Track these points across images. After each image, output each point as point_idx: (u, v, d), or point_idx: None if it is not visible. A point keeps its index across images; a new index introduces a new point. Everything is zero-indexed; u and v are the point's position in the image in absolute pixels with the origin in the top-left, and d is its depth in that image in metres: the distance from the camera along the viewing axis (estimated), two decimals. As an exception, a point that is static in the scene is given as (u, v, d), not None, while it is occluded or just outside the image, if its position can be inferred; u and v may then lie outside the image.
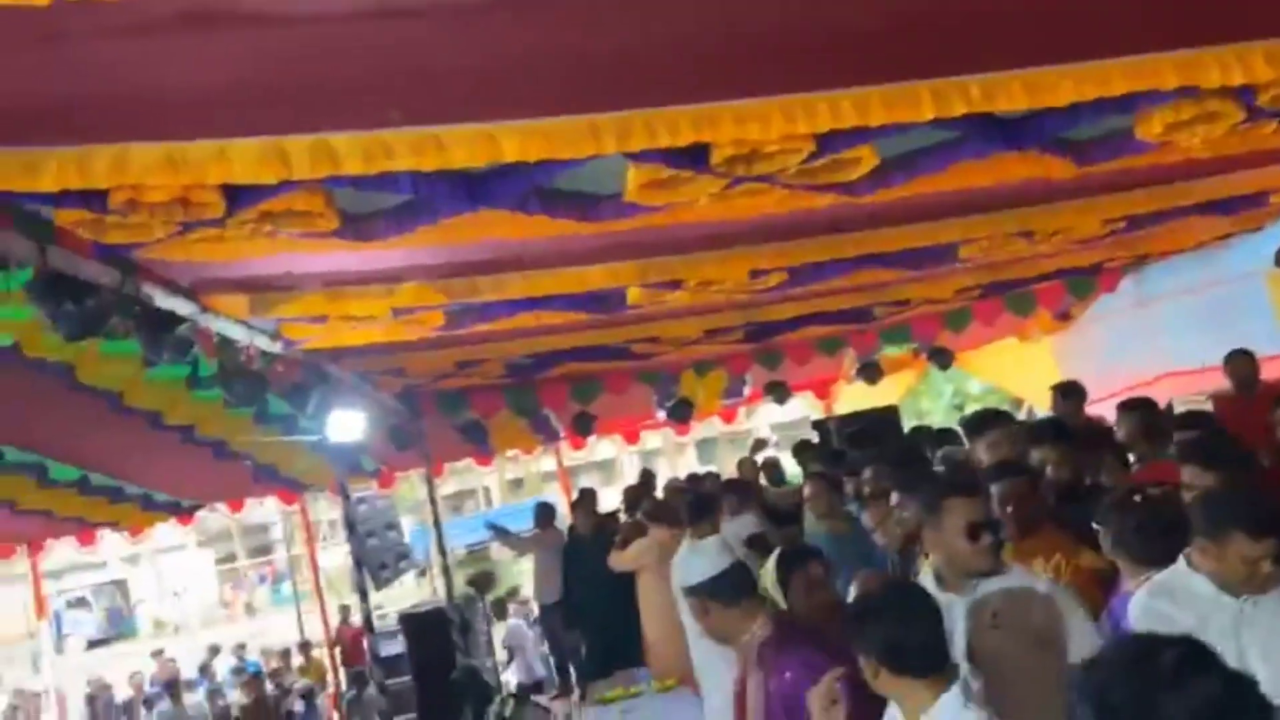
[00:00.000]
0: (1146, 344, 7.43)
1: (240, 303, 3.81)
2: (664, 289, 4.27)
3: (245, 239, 2.85)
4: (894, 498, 3.18)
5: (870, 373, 8.01)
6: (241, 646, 11.56)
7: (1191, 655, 1.16)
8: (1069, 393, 4.92)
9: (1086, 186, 3.87)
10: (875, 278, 4.74)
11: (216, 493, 8.39)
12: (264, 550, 31.10)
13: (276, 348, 4.55)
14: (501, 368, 6.30)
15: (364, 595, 7.55)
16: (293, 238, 2.92)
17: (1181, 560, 2.19)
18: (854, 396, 9.31)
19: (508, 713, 5.48)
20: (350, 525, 7.96)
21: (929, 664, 1.93)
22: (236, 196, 2.55)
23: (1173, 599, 2.14)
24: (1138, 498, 2.44)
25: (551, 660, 7.70)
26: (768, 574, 2.83)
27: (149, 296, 3.28)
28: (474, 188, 2.69)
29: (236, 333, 4.06)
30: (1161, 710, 1.10)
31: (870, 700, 2.03)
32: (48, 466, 6.24)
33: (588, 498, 7.32)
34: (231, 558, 30.90)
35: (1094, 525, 2.55)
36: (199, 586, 28.87)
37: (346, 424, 5.25)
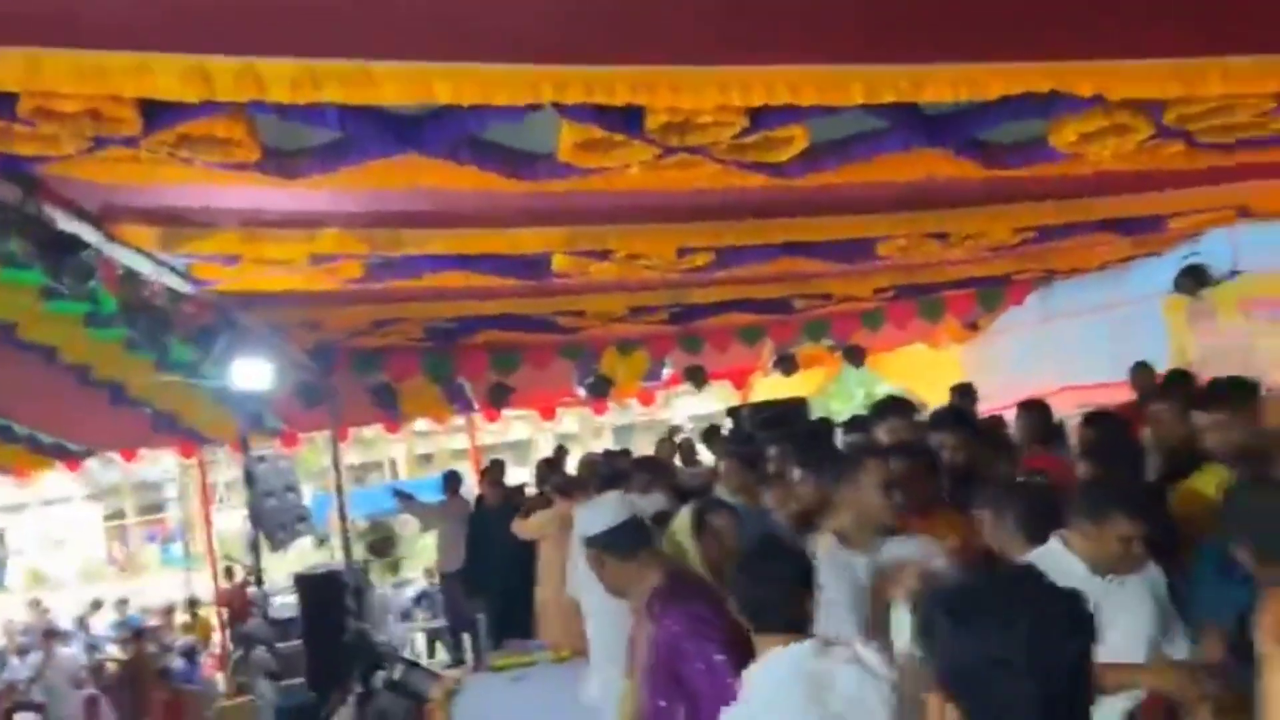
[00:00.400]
0: (1049, 358, 7.74)
1: (149, 235, 3.68)
2: (591, 258, 4.28)
3: (160, 163, 2.76)
4: (795, 474, 3.26)
5: (787, 365, 8.16)
6: (124, 602, 11.17)
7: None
8: (964, 393, 5.10)
9: (1000, 193, 4.03)
10: (798, 267, 4.83)
11: (110, 440, 8.08)
12: (155, 509, 30.07)
13: (185, 288, 4.40)
14: (420, 330, 6.23)
15: (255, 551, 7.40)
16: (211, 168, 2.84)
17: (1055, 540, 2.33)
18: (769, 389, 9.47)
19: (397, 676, 5.41)
20: (249, 480, 7.78)
21: (784, 621, 2.00)
22: (154, 115, 2.47)
23: (1050, 569, 2.27)
24: (1020, 481, 2.58)
25: (449, 629, 7.66)
26: (682, 523, 2.89)
27: (51, 218, 3.15)
28: (404, 130, 2.65)
29: (143, 266, 3.92)
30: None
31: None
32: (-73, 399, 5.95)
33: (496, 468, 7.30)
34: (120, 514, 29.76)
35: (974, 511, 2.67)
36: (84, 541, 27.79)
37: (252, 372, 5.12)
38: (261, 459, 9.13)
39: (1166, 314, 6.50)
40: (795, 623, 1.99)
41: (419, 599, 9.83)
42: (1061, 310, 7.80)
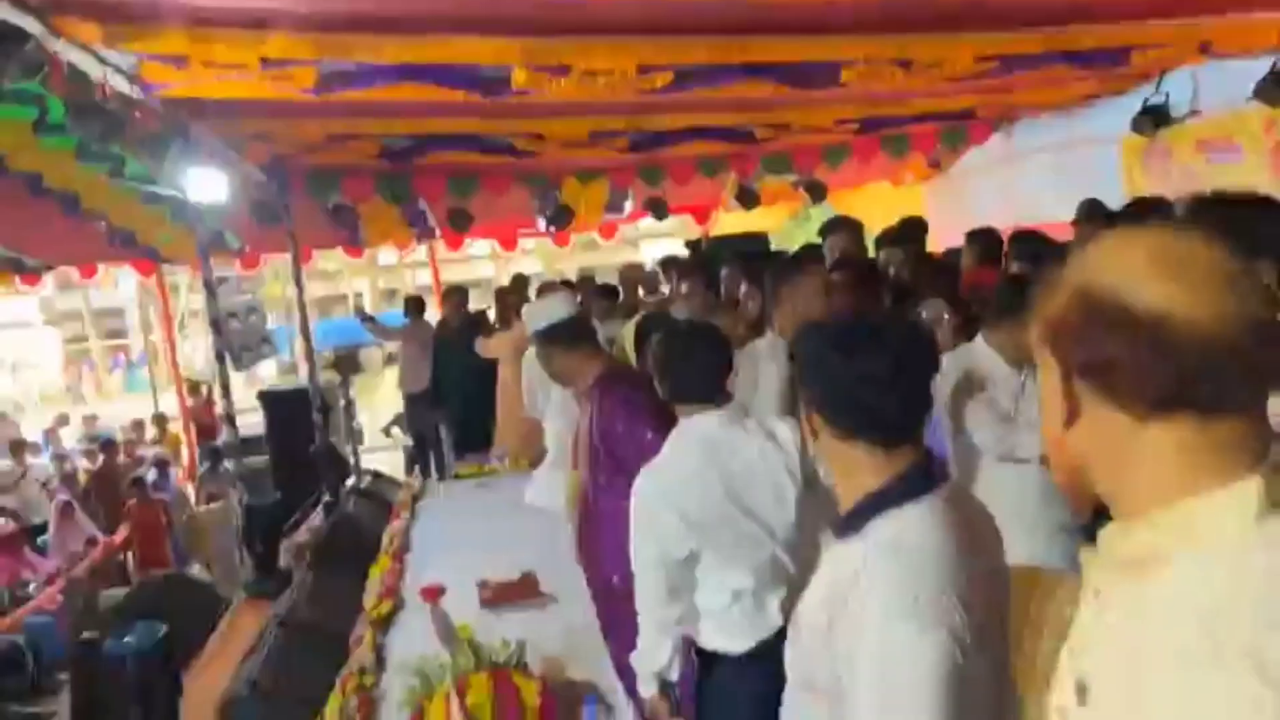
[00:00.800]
0: (1009, 198, 7.83)
1: (94, 30, 3.57)
2: (551, 74, 4.22)
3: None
4: (743, 289, 3.40)
5: (747, 198, 8.18)
6: (93, 418, 11.34)
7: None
8: (914, 222, 5.17)
9: (964, 17, 4.00)
10: (758, 91, 4.79)
11: (67, 254, 8.00)
12: (117, 334, 29.97)
13: (135, 92, 4.30)
14: (376, 147, 6.14)
15: (222, 364, 7.51)
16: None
17: (978, 338, 2.52)
18: (731, 225, 9.53)
19: (364, 485, 5.68)
20: (212, 296, 7.83)
21: (701, 395, 2.17)
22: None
23: (972, 362, 2.49)
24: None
25: (411, 446, 7.93)
26: (626, 333, 3.05)
27: (-9, 9, 3.05)
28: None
29: (90, 66, 3.82)
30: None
31: None
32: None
33: (458, 293, 7.39)
34: (81, 339, 29.63)
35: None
36: (44, 366, 27.77)
37: (208, 183, 5.06)
38: (223, 280, 9.12)
39: (1124, 155, 6.57)
40: (711, 397, 2.18)
41: (393, 423, 10.09)
42: (1023, 150, 7.85)
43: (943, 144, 8.05)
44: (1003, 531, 1.47)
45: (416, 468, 6.32)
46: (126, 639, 2.53)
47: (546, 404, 4.59)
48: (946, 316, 2.91)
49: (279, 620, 3.25)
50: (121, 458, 9.05)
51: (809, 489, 2.15)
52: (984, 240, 4.14)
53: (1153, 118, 6.00)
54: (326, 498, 7.04)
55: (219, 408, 10.88)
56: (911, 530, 1.33)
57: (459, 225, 7.69)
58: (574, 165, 7.46)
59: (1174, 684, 0.71)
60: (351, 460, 7.28)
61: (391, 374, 12.09)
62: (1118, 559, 0.80)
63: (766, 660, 1.74)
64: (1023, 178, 7.82)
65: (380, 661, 2.82)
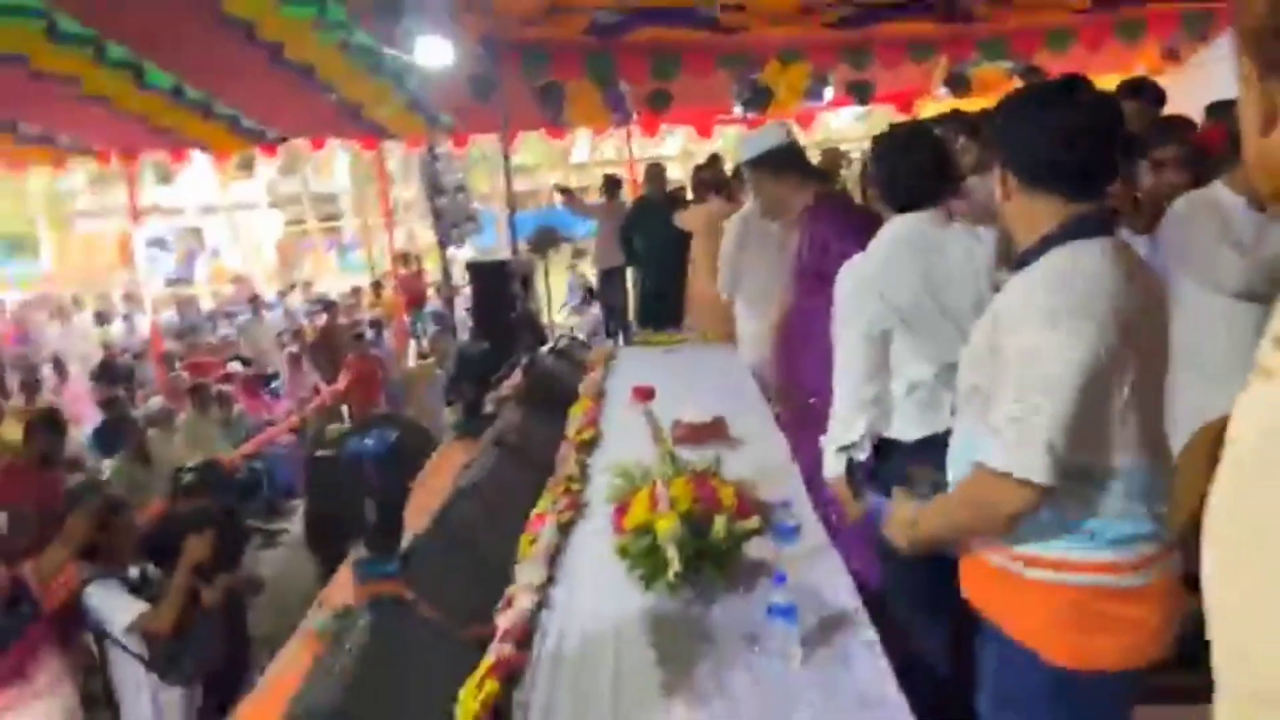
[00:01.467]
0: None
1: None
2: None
3: None
4: (960, 142, 3.34)
5: (959, 85, 7.81)
6: (310, 285, 12.36)
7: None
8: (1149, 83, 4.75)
9: None
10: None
11: (300, 126, 8.68)
12: (332, 218, 32.21)
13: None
14: (586, 22, 6.27)
15: (441, 240, 8.05)
16: None
17: (1216, 183, 2.45)
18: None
19: (560, 346, 6.01)
20: (427, 172, 8.35)
21: (916, 201, 2.24)
22: None
23: (1213, 201, 2.47)
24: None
25: (605, 320, 8.26)
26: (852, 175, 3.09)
27: None
28: None
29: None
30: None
31: None
32: (144, 69, 6.51)
33: (659, 169, 7.51)
34: (300, 220, 32.07)
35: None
36: (267, 245, 30.25)
37: (435, 49, 5.35)
38: (435, 158, 9.64)
39: None
40: (922, 202, 2.22)
41: (587, 294, 10.48)
42: None
43: (1185, 30, 7.34)
44: (1233, 369, 1.51)
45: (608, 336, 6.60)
46: (365, 440, 2.84)
47: (737, 284, 4.68)
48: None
49: (493, 440, 3.57)
50: (341, 320, 9.90)
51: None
52: (1223, 109, 3.84)
53: None
54: (525, 360, 7.52)
55: (429, 277, 11.65)
56: (1082, 257, 1.46)
57: (659, 105, 7.77)
58: (776, 44, 7.33)
59: None
60: (547, 326, 7.69)
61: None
62: None
63: (934, 452, 1.82)
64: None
65: (585, 477, 3.07)
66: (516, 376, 6.84)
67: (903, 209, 2.25)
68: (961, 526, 1.63)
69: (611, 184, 8.26)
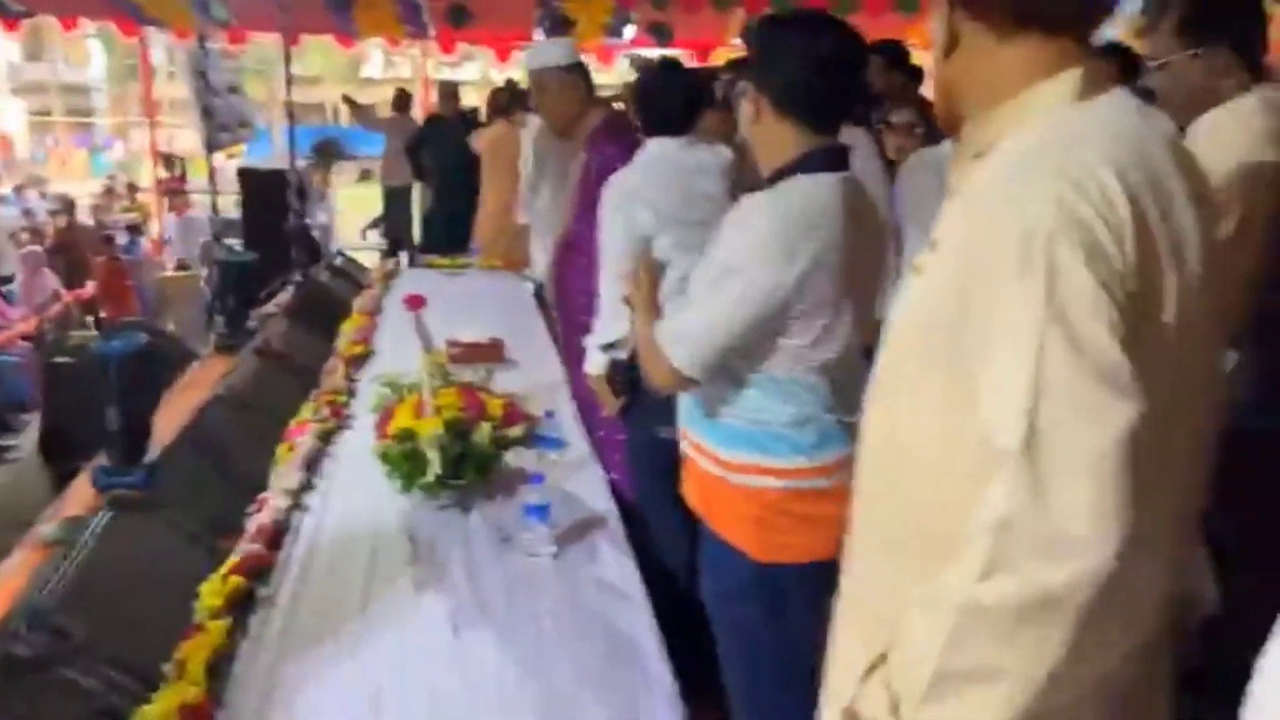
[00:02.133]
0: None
1: None
2: None
3: None
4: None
5: (752, 35, 8.05)
6: (46, 182, 11.10)
7: None
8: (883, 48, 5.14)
9: None
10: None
11: (51, 3, 7.71)
12: (84, 113, 29.00)
13: None
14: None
15: (210, 147, 7.43)
16: None
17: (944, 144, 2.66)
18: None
19: (338, 262, 5.77)
20: (196, 68, 7.65)
21: (676, 127, 2.42)
22: None
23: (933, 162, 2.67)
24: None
25: (389, 241, 7.97)
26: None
27: None
28: None
29: None
30: None
31: None
32: None
33: (452, 87, 7.31)
34: (45, 113, 28.64)
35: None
36: (7, 136, 26.86)
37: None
38: (206, 52, 8.84)
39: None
40: (679, 129, 2.39)
41: (371, 225, 10.07)
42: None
43: None
44: None
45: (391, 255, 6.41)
46: (111, 343, 2.64)
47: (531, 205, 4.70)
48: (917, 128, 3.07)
49: (254, 350, 3.41)
50: (90, 222, 8.99)
51: None
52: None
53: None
54: (298, 277, 7.14)
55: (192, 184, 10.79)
56: (810, 189, 1.59)
57: (457, 20, 7.53)
58: (581, -24, 7.28)
59: (974, 236, 0.90)
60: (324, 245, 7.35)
61: (366, 188, 12.00)
62: (970, 153, 0.97)
63: None
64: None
65: (351, 392, 3.00)
66: (287, 296, 6.53)
67: (657, 134, 2.41)
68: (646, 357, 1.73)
69: (402, 98, 7.96)
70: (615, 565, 1.89)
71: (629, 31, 8.44)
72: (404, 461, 2.06)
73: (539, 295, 5.18)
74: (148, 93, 10.04)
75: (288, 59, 7.06)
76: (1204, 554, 1.47)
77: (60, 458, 4.83)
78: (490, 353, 3.36)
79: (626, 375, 2.38)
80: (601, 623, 1.69)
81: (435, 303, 4.35)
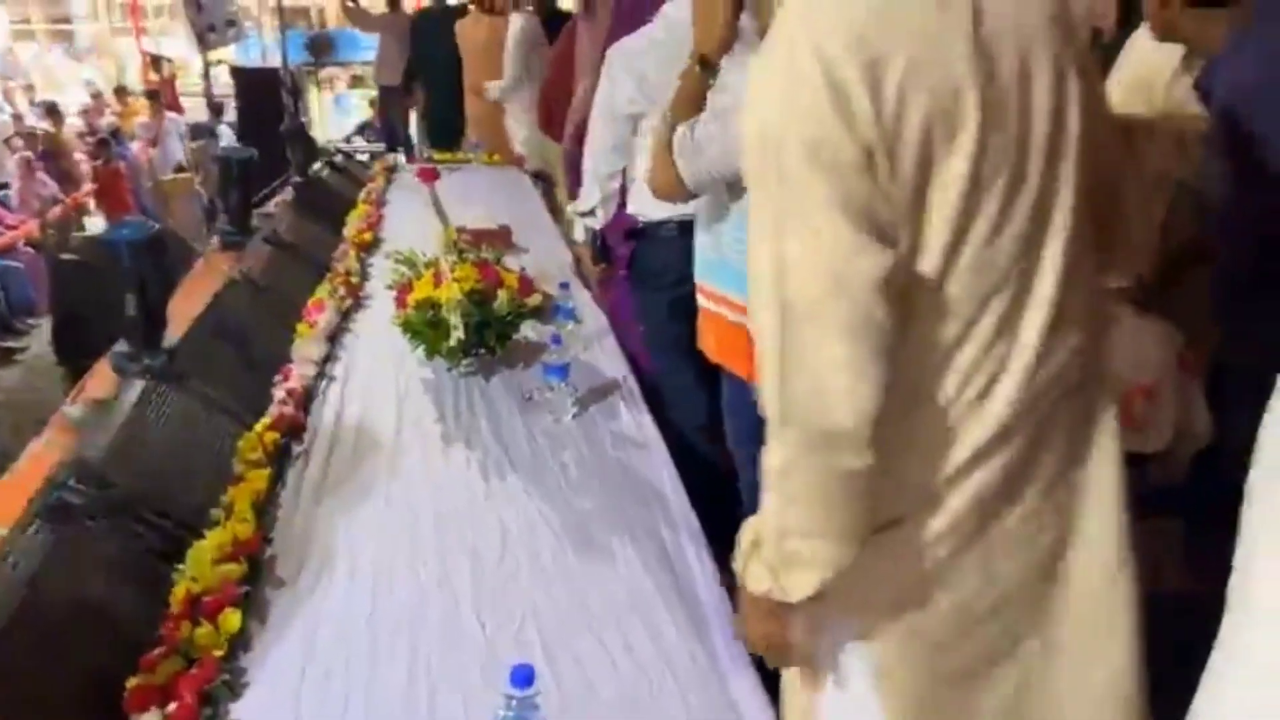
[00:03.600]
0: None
1: None
2: None
3: None
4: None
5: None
6: (32, 88, 10.87)
7: None
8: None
9: None
10: None
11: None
12: (63, 21, 28.19)
13: None
14: None
15: (203, 44, 7.29)
16: None
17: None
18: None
19: (338, 160, 5.72)
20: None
21: None
22: None
23: None
24: None
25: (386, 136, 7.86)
26: None
27: None
28: None
29: None
30: None
31: None
32: None
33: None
34: (25, 20, 27.83)
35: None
36: (-12, 42, 26.14)
37: None
38: (191, -52, 8.58)
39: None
40: None
41: (360, 129, 9.94)
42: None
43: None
44: None
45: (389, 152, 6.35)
46: (122, 230, 2.66)
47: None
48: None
49: (264, 238, 3.43)
50: (81, 125, 8.86)
51: None
52: None
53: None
54: (296, 178, 7.09)
55: (182, 88, 10.60)
56: None
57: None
58: None
59: None
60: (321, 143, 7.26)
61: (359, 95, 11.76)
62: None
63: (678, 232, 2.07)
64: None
65: (364, 273, 3.05)
66: (288, 192, 6.49)
67: None
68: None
69: (392, -7, 7.79)
70: (633, 422, 1.97)
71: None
72: (427, 329, 2.11)
73: (542, 185, 5.21)
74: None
75: (275, -49, 6.90)
76: (1198, 388, 1.54)
77: (73, 354, 4.90)
78: (499, 238, 3.38)
79: (601, 245, 2.43)
80: (622, 469, 1.77)
81: (439, 192, 4.39)
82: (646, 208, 2.29)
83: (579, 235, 2.56)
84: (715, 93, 1.60)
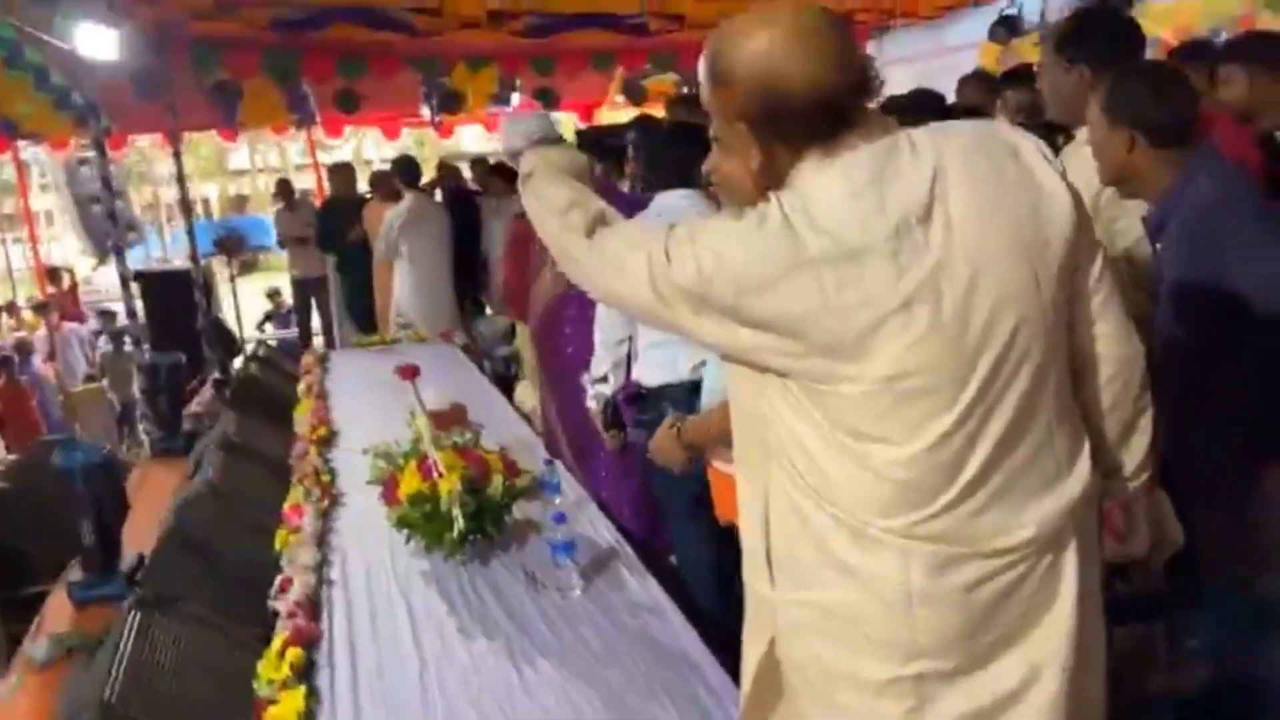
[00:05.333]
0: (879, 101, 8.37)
1: None
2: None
3: None
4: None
5: (635, 91, 8.44)
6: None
7: None
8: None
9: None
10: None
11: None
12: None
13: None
14: (267, 17, 6.04)
15: (119, 252, 7.30)
16: None
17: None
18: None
19: (262, 353, 5.72)
20: (73, 181, 7.53)
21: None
22: None
23: None
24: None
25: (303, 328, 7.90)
26: None
27: None
28: None
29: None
30: None
31: None
32: None
33: (347, 169, 7.34)
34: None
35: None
36: None
37: (97, 39, 4.89)
38: (83, 162, 8.68)
39: (981, 60, 7.15)
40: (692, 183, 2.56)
41: (268, 317, 9.97)
42: (892, 57, 8.38)
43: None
44: None
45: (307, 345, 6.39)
46: (74, 454, 2.64)
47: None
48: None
49: (217, 444, 3.41)
50: (-23, 345, 8.61)
51: None
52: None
53: (1007, 27, 6.59)
54: (217, 374, 7.02)
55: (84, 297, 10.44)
56: None
57: (347, 106, 7.62)
58: (465, 50, 7.50)
59: None
60: (240, 337, 7.24)
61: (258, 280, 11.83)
62: None
63: (674, 394, 2.29)
64: (891, 81, 8.35)
65: (331, 470, 3.06)
66: (208, 391, 6.43)
67: (667, 187, 2.57)
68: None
69: (284, 187, 8.01)
70: (640, 588, 2.03)
71: (516, 99, 8.70)
72: (425, 523, 2.16)
73: (478, 358, 5.33)
74: (28, 211, 9.73)
75: (178, 158, 7.05)
76: (1167, 499, 1.71)
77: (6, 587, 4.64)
78: (457, 418, 3.45)
79: (613, 412, 2.57)
80: (644, 638, 1.83)
81: (380, 378, 4.45)
82: (649, 373, 2.48)
83: (590, 403, 2.76)
84: None
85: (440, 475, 2.18)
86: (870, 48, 8.54)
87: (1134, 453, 1.30)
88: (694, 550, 2.51)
